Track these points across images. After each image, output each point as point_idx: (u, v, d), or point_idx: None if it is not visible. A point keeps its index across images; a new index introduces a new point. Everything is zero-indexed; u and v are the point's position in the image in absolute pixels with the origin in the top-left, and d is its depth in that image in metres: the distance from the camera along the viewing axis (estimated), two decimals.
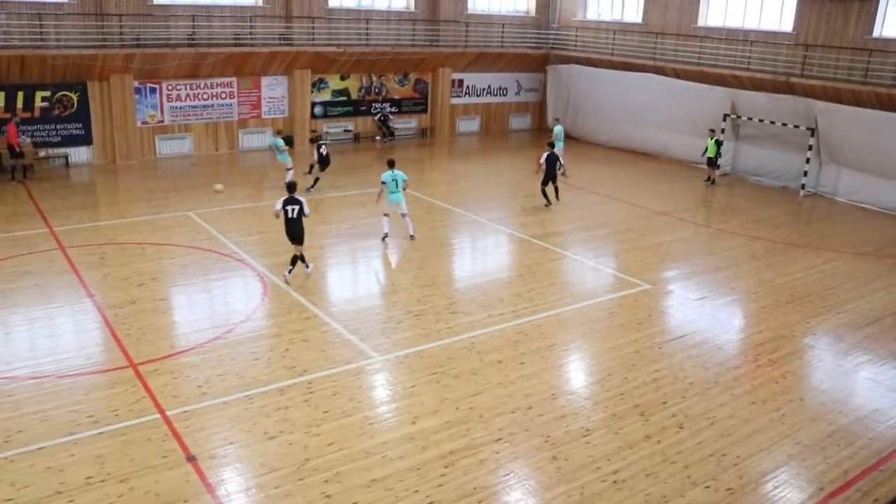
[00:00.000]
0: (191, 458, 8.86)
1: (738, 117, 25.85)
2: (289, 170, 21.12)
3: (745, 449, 9.64)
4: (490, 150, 30.48)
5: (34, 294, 13.77)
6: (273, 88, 27.67)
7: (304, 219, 14.33)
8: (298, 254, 14.47)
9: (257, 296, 13.98)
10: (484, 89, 33.26)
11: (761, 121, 25.06)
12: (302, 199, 14.38)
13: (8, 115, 22.77)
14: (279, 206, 14.17)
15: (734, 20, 27.66)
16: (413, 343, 12.24)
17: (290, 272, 14.42)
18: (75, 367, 11.02)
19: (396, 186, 16.84)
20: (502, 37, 32.41)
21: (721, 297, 14.95)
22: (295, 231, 14.33)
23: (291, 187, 14.71)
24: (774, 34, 25.99)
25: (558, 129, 26.18)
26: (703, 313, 14.13)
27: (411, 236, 17.28)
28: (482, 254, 17.74)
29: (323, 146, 21.46)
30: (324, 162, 21.40)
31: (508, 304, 14.06)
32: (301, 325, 12.69)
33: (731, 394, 11.03)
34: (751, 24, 27.03)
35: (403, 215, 17.24)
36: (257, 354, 11.60)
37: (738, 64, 26.21)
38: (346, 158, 26.61)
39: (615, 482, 8.81)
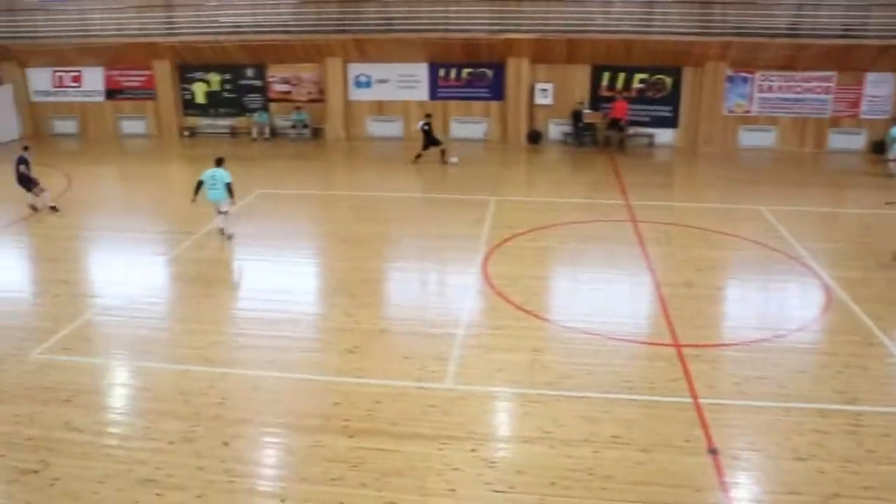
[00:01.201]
0: (712, 451, 8.67)
1: None
2: None
3: None
4: None
5: (602, 258, 14.92)
6: (878, 86, 25.04)
7: None
8: None
9: (817, 307, 12.96)
10: None
11: None
12: None
13: (612, 94, 24.99)
14: None
15: None
16: None
17: None
18: (623, 333, 11.63)
19: None
20: None
21: None
22: None
23: None
24: None
25: None
26: None
27: None
28: None
29: None
30: None
31: None
32: (862, 350, 11.37)
33: None
34: None
35: None
36: (805, 368, 10.77)
37: None
38: None
39: None
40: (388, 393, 10.03)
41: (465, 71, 26.32)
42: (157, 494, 8.15)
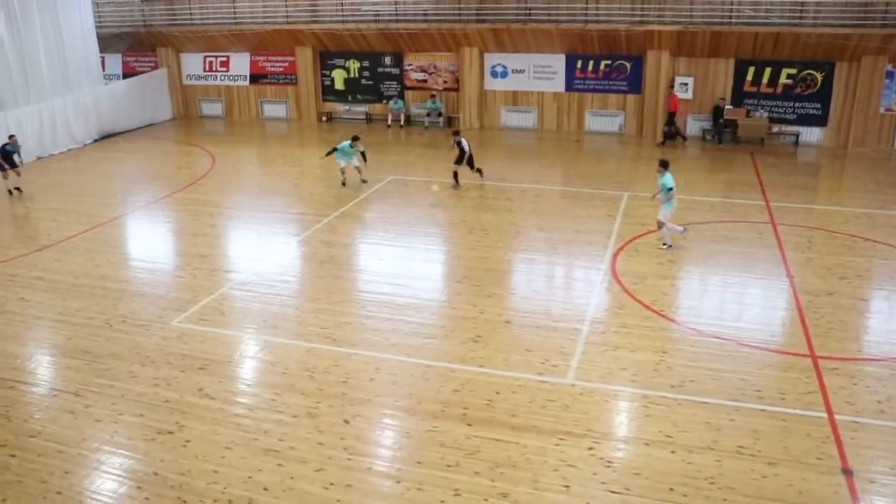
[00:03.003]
0: (847, 472, 8.19)
1: None
2: None
3: None
4: None
5: (737, 260, 14.35)
6: None
7: None
8: None
9: None
10: None
11: None
12: None
13: (756, 90, 23.90)
14: None
15: None
16: None
17: None
18: (756, 339, 11.15)
19: None
20: None
21: None
22: None
23: None
24: None
25: None
26: None
27: None
28: None
29: None
30: None
31: None
32: None
33: None
34: None
35: None
36: None
37: None
38: None
39: None
40: (508, 384, 10.05)
41: (603, 63, 25.86)
42: (279, 465, 8.51)
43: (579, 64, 26.14)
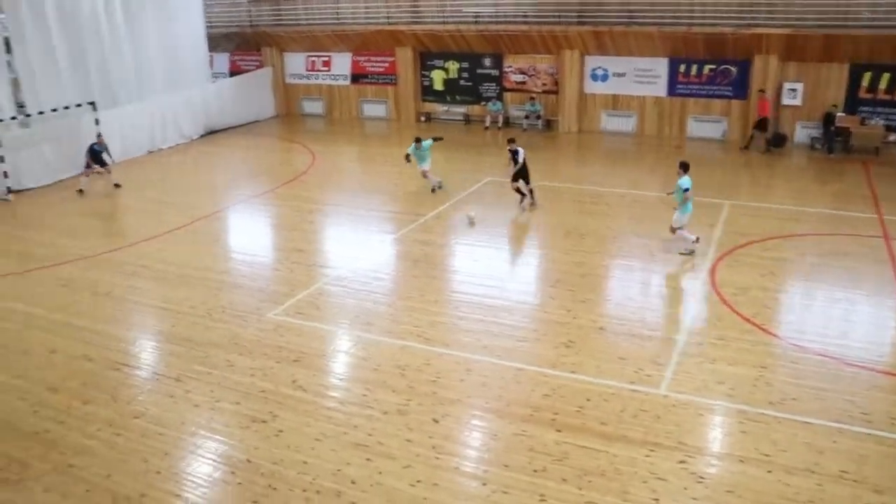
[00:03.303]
0: None
1: None
2: None
3: None
4: None
5: (844, 275, 13.71)
6: None
7: None
8: None
9: None
10: None
11: None
12: None
13: (871, 96, 22.76)
14: None
15: None
16: None
17: None
18: (862, 359, 10.63)
19: None
20: None
21: None
22: None
23: None
24: None
25: None
26: None
27: None
28: None
29: None
30: None
31: None
32: None
33: None
34: None
35: None
36: None
37: None
38: None
39: None
40: (600, 392, 9.91)
41: (707, 67, 25.16)
42: (367, 459, 8.63)
43: (682, 68, 25.50)
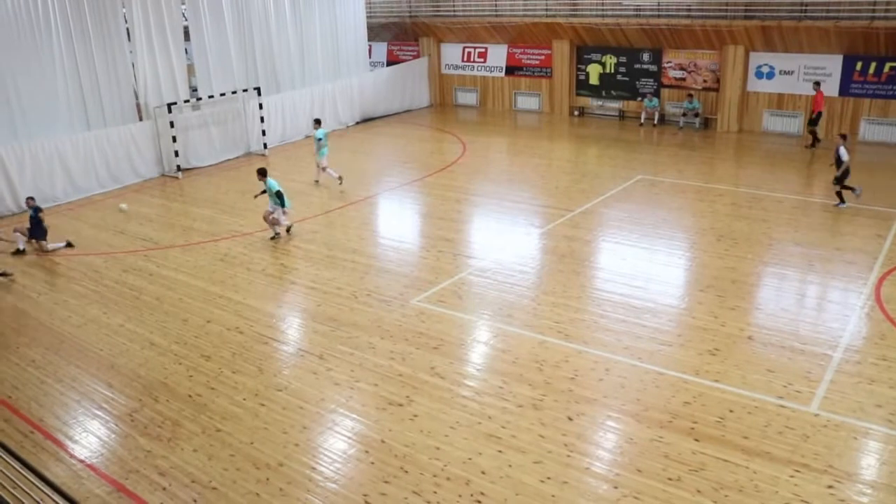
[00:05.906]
0: None
1: None
2: None
3: None
4: None
5: None
6: None
7: None
8: None
9: None
10: None
11: None
12: None
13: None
14: None
15: None
16: None
17: None
18: None
19: None
20: None
21: None
22: None
23: None
24: None
25: None
26: None
27: None
28: None
29: None
30: None
31: None
32: None
33: None
34: None
35: None
36: None
37: None
38: None
39: None
40: (744, 404, 9.48)
41: (888, 65, 23.36)
42: (499, 451, 8.66)
43: (859, 66, 23.82)
